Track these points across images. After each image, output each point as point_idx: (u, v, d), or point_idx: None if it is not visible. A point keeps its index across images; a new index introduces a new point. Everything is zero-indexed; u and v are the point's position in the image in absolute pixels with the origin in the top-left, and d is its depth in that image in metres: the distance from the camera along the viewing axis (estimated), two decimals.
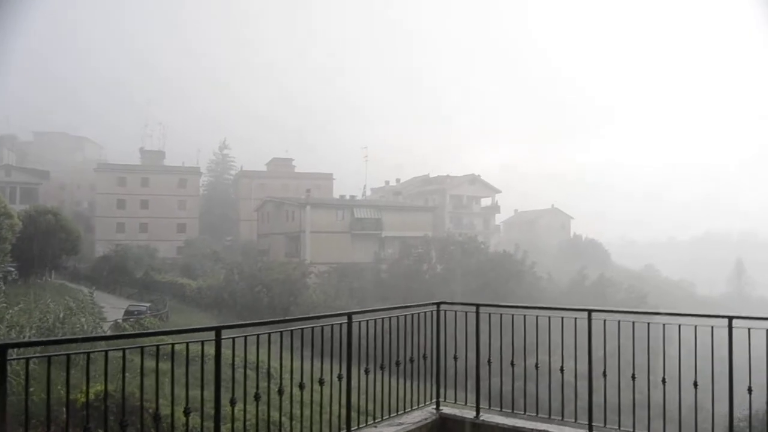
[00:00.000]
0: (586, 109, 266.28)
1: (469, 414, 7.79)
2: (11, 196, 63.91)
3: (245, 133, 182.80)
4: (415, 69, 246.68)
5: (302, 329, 6.66)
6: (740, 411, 8.04)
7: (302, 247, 64.28)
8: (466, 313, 7.93)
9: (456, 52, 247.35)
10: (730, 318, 6.57)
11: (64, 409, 5.83)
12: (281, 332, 6.08)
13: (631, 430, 6.86)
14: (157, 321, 34.70)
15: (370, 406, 7.25)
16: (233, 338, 5.75)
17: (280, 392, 5.92)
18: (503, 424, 7.49)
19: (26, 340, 13.53)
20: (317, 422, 6.69)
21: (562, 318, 7.37)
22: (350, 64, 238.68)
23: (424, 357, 7.85)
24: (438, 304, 8.06)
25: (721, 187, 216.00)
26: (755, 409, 7.74)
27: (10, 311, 16.71)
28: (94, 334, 15.20)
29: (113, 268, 56.13)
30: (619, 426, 6.97)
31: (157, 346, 5.13)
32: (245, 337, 6.03)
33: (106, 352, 4.85)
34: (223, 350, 5.37)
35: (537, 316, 7.63)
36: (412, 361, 7.67)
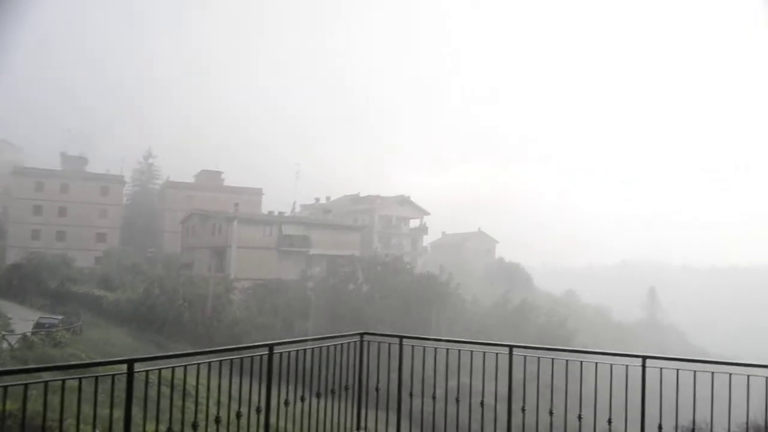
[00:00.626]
0: (514, 137, 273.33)
1: None
2: None
3: (174, 142, 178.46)
4: (350, 90, 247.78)
5: (220, 361, 6.47)
6: None
7: (227, 262, 63.06)
8: (389, 345, 7.90)
9: (388, 75, 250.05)
10: (644, 358, 6.78)
11: None
12: (198, 364, 5.88)
13: None
14: (70, 335, 33.10)
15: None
16: (147, 371, 5.52)
17: (195, 426, 5.71)
18: None
19: None
20: None
21: (484, 353, 7.44)
22: (287, 83, 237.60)
23: (347, 388, 7.77)
24: (362, 334, 8.01)
25: (637, 217, 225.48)
26: None
27: None
28: None
29: (24, 276, 53.00)
30: None
31: (63, 380, 4.84)
32: (159, 370, 5.79)
33: (6, 387, 4.56)
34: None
35: (459, 350, 7.68)
36: (333, 392, 7.57)
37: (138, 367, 5.24)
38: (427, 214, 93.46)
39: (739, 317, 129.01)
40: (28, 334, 30.57)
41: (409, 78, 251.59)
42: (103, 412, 5.29)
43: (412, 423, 8.37)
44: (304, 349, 7.32)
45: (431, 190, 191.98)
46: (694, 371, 6.44)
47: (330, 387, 7.52)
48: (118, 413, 5.03)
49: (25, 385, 4.65)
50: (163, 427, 8.80)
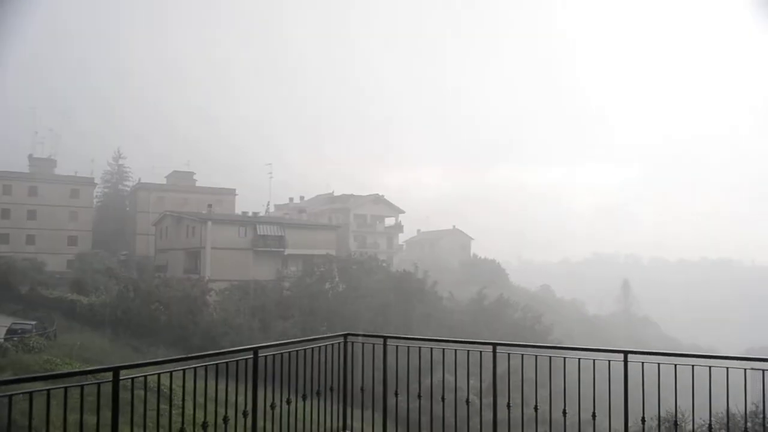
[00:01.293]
0: (491, 133, 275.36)
1: None
2: None
3: (144, 143, 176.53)
4: (323, 89, 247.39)
5: (206, 366, 6.42)
6: None
7: (202, 264, 62.49)
8: (373, 345, 7.92)
9: (365, 75, 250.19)
10: (626, 353, 6.88)
11: None
12: (184, 370, 5.83)
13: None
14: (44, 340, 32.51)
15: None
16: (132, 378, 5.44)
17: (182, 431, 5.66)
18: None
19: None
20: None
21: (468, 351, 7.48)
22: (259, 82, 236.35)
23: (332, 389, 7.77)
24: (345, 335, 8.01)
25: (609, 211, 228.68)
26: None
27: None
28: None
29: None
30: None
31: (48, 390, 4.77)
32: (145, 376, 5.73)
33: None
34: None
35: (444, 349, 7.72)
36: (318, 393, 7.57)
37: (123, 374, 5.18)
38: (402, 212, 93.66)
39: (711, 309, 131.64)
40: (1, 340, 29.96)
41: (383, 78, 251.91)
42: (90, 419, 5.23)
43: (398, 422, 8.39)
44: (289, 352, 7.30)
45: (405, 188, 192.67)
46: (675, 365, 6.55)
47: (315, 388, 7.52)
48: (104, 420, 4.97)
49: (10, 396, 4.57)
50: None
